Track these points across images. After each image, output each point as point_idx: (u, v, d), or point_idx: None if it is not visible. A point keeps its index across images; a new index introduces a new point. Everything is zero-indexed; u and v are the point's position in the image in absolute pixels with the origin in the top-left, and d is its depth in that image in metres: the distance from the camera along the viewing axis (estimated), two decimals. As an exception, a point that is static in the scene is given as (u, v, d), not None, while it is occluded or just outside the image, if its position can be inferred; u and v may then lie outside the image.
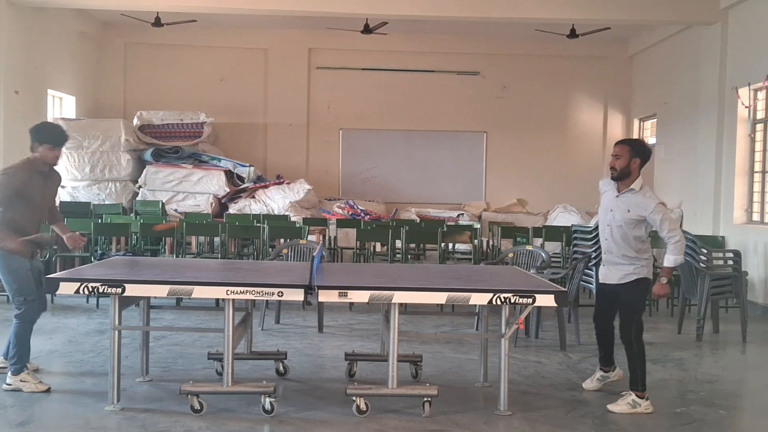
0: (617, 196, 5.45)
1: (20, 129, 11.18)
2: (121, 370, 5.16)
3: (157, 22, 12.52)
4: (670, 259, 5.32)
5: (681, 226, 12.05)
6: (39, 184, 5.63)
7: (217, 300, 8.23)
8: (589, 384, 5.87)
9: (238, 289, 4.88)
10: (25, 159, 5.70)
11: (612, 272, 5.52)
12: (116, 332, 5.04)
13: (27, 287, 5.49)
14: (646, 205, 5.28)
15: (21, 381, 5.42)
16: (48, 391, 5.41)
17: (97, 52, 14.76)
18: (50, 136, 5.62)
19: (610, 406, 5.35)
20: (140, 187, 13.16)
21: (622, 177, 5.38)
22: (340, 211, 13.71)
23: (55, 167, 5.83)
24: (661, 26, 13.28)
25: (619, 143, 5.52)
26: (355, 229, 10.76)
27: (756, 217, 10.66)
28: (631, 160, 5.33)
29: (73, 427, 4.75)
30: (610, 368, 5.84)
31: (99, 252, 9.67)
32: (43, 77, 12.21)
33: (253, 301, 6.02)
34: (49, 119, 12.68)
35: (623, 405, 5.33)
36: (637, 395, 5.33)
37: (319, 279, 5.11)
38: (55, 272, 8.57)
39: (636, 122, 15.48)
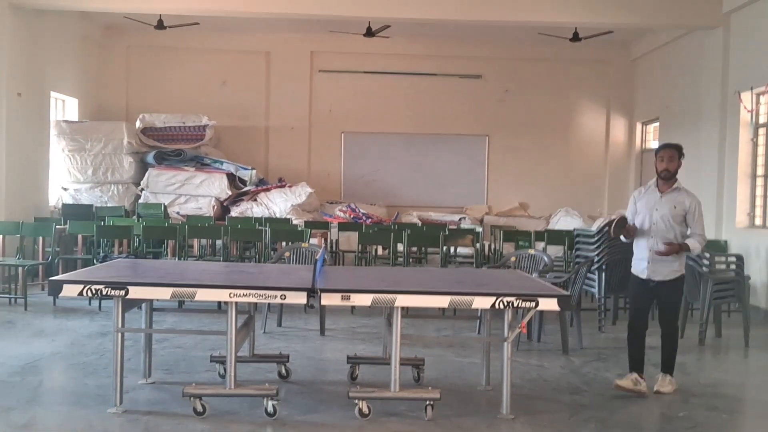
0: (661, 197, 5.87)
1: (23, 131, 11.27)
2: (124, 373, 5.16)
3: (160, 25, 12.53)
4: (693, 243, 5.83)
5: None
6: None
7: (219, 302, 8.25)
8: (623, 381, 5.85)
9: (241, 291, 4.88)
10: None
11: (660, 268, 5.84)
12: (119, 334, 5.03)
13: None
14: (690, 200, 5.84)
15: None
16: None
17: (100, 55, 14.79)
18: None
19: (657, 388, 5.87)
20: (142, 189, 13.17)
21: (672, 177, 5.88)
22: (342, 214, 13.72)
23: None
24: (664, 30, 13.29)
25: (667, 147, 5.97)
26: (357, 233, 10.77)
27: (758, 221, 10.66)
28: (679, 161, 5.90)
29: (75, 429, 4.75)
30: (643, 375, 5.89)
31: (101, 254, 9.68)
32: (46, 80, 12.23)
33: (256, 304, 6.01)
34: (52, 121, 12.73)
35: (668, 385, 5.89)
36: (671, 376, 5.95)
37: (322, 282, 5.11)
38: (58, 274, 8.61)
39: (638, 126, 15.48)
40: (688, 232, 5.86)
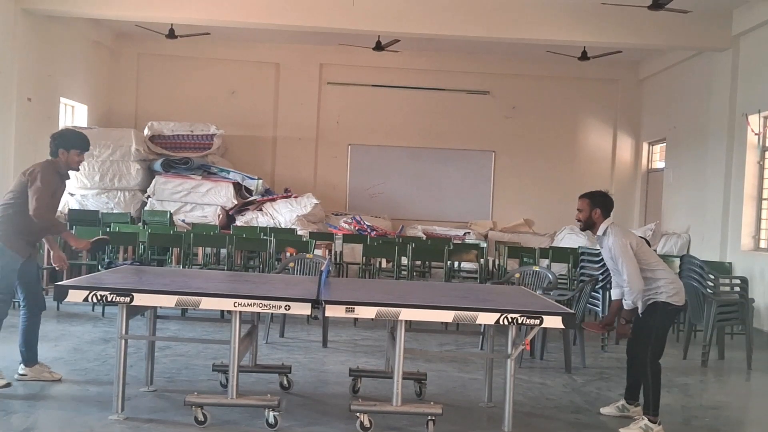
0: (601, 247, 5.73)
1: (33, 136, 11.32)
2: (126, 380, 5.16)
3: (171, 34, 12.61)
4: (626, 303, 5.50)
5: (688, 251, 12.03)
6: (61, 184, 5.81)
7: (222, 311, 8.25)
8: (607, 409, 5.82)
9: (246, 301, 4.88)
10: (49, 161, 5.78)
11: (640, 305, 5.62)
12: (123, 341, 5.04)
13: (8, 287, 5.68)
14: (612, 244, 5.50)
15: None
16: (8, 386, 5.54)
17: (111, 62, 14.88)
18: (79, 142, 5.80)
19: (621, 430, 5.34)
20: (149, 196, 13.20)
21: (588, 228, 5.69)
22: (347, 226, 13.73)
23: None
24: (673, 51, 13.32)
25: (580, 197, 5.75)
26: (362, 245, 10.77)
27: (763, 244, 10.65)
28: (592, 211, 5.62)
29: (76, 435, 4.75)
30: (634, 402, 5.74)
31: (106, 260, 9.70)
32: (56, 85, 12.31)
33: (259, 313, 6.01)
34: (61, 126, 12.79)
35: (635, 429, 5.33)
36: (649, 419, 5.34)
37: (326, 294, 5.11)
38: (62, 279, 8.61)
39: (645, 146, 15.49)
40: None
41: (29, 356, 5.85)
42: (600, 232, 5.60)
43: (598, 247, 9.38)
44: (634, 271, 5.37)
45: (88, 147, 5.90)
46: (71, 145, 5.74)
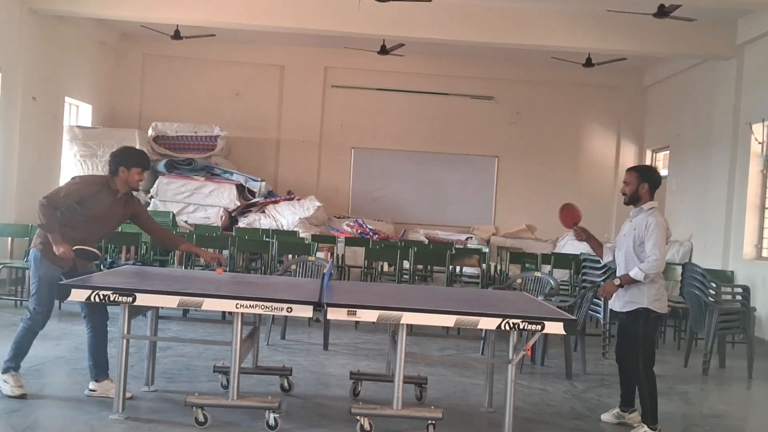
0: (630, 221, 5.62)
1: (37, 134, 11.36)
2: (127, 380, 5.16)
3: (177, 35, 12.63)
4: (635, 270, 5.38)
5: (690, 259, 12.02)
6: (108, 202, 5.55)
7: (224, 313, 8.25)
8: (607, 416, 5.80)
9: (248, 302, 4.88)
10: (104, 176, 5.69)
11: (617, 297, 5.59)
12: (124, 341, 5.05)
13: (45, 299, 5.44)
14: (647, 221, 5.42)
15: (3, 381, 5.39)
16: (23, 396, 5.33)
17: (116, 62, 14.91)
18: (140, 160, 5.69)
19: None
20: (152, 197, 13.22)
21: (632, 202, 5.57)
22: (349, 229, 13.74)
23: (135, 192, 5.82)
24: (677, 59, 13.33)
25: (628, 170, 5.70)
26: (364, 248, 10.77)
27: (766, 253, 10.64)
28: (639, 185, 5.51)
29: (77, 434, 4.75)
30: (629, 409, 5.69)
31: (109, 260, 9.70)
32: (61, 85, 12.34)
33: (260, 315, 6.01)
34: (65, 126, 12.82)
35: None
36: (649, 427, 5.32)
37: (328, 296, 5.11)
38: (64, 279, 8.61)
39: (649, 153, 15.48)
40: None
41: (98, 372, 5.60)
42: (646, 207, 5.48)
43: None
44: (664, 251, 5.36)
45: (149, 165, 5.81)
46: (133, 163, 5.59)
